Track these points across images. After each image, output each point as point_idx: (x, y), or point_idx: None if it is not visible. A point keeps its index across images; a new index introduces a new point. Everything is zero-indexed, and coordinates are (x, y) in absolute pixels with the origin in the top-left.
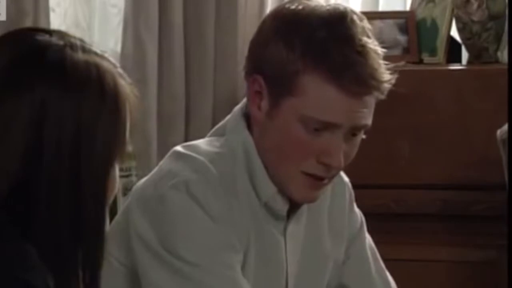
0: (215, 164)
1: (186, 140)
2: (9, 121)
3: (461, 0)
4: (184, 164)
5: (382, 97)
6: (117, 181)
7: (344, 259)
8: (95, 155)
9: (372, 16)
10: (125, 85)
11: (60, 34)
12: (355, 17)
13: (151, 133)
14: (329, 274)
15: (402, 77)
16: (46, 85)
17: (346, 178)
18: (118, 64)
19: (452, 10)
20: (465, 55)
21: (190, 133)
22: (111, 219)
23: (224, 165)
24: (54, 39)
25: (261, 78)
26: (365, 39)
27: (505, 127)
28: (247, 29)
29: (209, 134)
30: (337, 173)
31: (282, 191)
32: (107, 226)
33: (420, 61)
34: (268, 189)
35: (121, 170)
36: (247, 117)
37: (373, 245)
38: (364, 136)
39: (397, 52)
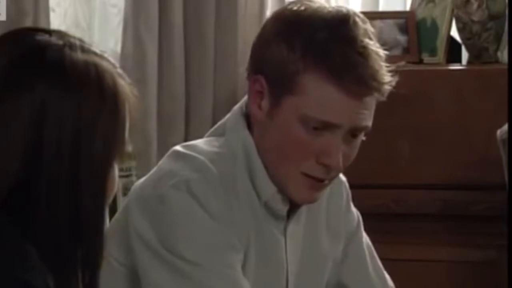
0: (215, 164)
1: (186, 140)
2: (9, 121)
3: (461, 0)
4: (184, 163)
5: (383, 98)
6: (116, 181)
7: (342, 257)
8: (95, 155)
9: (372, 16)
10: (125, 85)
11: (60, 34)
12: (357, 19)
13: (151, 133)
14: (328, 273)
15: (402, 77)
16: (46, 85)
17: (343, 177)
18: (117, 64)
19: (452, 10)
20: (465, 55)
21: (190, 133)
22: (110, 219)
23: (224, 164)
24: (54, 39)
25: (262, 78)
26: (367, 40)
27: (505, 127)
28: (247, 29)
29: (208, 134)
30: (337, 174)
31: (282, 191)
32: (107, 226)
33: (420, 61)
34: (268, 189)
35: (121, 170)
36: (247, 116)
37: (370, 243)
38: (364, 138)
39: (397, 52)
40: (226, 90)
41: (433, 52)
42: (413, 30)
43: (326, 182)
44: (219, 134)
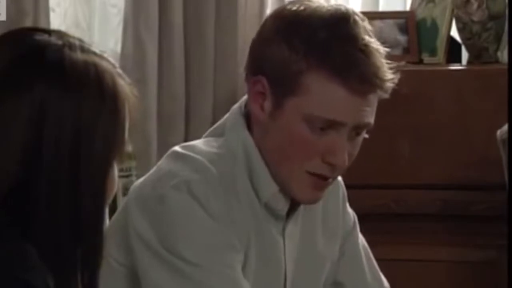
0: (215, 164)
1: (186, 140)
2: (8, 121)
3: (461, 0)
4: (184, 164)
5: (386, 96)
6: (116, 181)
7: (338, 256)
8: (95, 155)
9: (372, 16)
10: (124, 85)
11: (59, 34)
12: (357, 17)
13: (151, 133)
14: (326, 274)
15: (402, 77)
16: (45, 85)
17: (339, 178)
18: (117, 64)
19: (452, 10)
20: (465, 55)
21: (190, 133)
22: (110, 219)
23: (224, 165)
24: (53, 39)
25: (264, 79)
26: (367, 38)
27: (505, 127)
28: (247, 29)
29: (206, 134)
30: (341, 172)
31: (283, 190)
32: (106, 226)
33: (420, 61)
34: (270, 188)
35: (121, 170)
36: (246, 116)
37: (366, 245)
38: (366, 136)
39: (397, 52)
40: (226, 90)
41: (433, 52)
42: (413, 30)
43: (330, 180)
44: (218, 134)
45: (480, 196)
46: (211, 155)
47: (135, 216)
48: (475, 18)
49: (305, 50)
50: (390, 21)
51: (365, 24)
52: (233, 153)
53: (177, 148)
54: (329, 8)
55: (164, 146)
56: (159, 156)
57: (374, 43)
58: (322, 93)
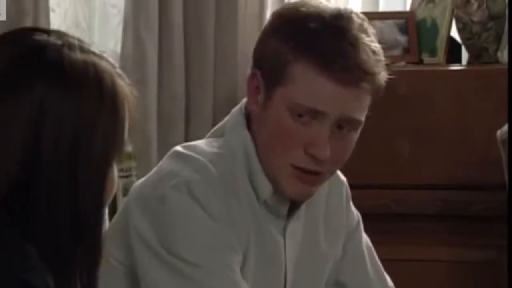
0: (215, 165)
1: (186, 140)
2: (8, 121)
3: (461, 0)
4: (185, 164)
5: (378, 93)
6: (116, 181)
7: (342, 255)
8: (94, 155)
9: (372, 16)
10: (124, 85)
11: (59, 34)
12: (354, 16)
13: (151, 133)
14: (327, 273)
15: (402, 77)
16: (45, 85)
17: (343, 177)
18: (117, 64)
19: (452, 10)
20: (465, 55)
21: (190, 133)
22: (110, 219)
23: (224, 165)
24: (52, 39)
25: (259, 73)
26: (361, 35)
27: (505, 127)
28: (247, 29)
29: (208, 135)
30: (330, 170)
31: (275, 188)
32: (106, 226)
33: (420, 61)
34: (266, 187)
35: (121, 170)
36: (247, 117)
37: (370, 244)
38: (357, 135)
39: (397, 52)
40: (226, 90)
41: (433, 52)
42: (413, 30)
43: (320, 176)
44: (219, 135)
45: (480, 196)
46: (212, 155)
47: (135, 216)
48: (475, 18)
49: (295, 40)
50: (390, 21)
51: (364, 23)
52: (233, 153)
53: (178, 148)
54: (329, 6)
55: (164, 146)
56: (159, 156)
57: (368, 40)
58: (307, 82)
